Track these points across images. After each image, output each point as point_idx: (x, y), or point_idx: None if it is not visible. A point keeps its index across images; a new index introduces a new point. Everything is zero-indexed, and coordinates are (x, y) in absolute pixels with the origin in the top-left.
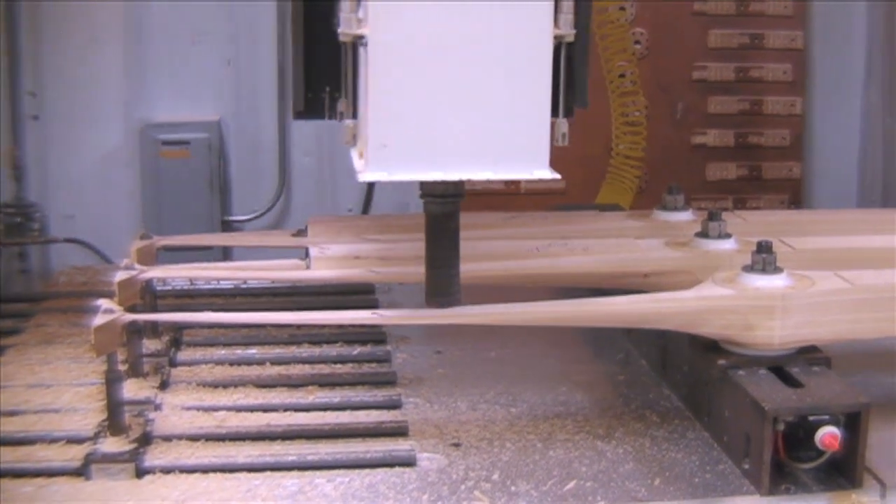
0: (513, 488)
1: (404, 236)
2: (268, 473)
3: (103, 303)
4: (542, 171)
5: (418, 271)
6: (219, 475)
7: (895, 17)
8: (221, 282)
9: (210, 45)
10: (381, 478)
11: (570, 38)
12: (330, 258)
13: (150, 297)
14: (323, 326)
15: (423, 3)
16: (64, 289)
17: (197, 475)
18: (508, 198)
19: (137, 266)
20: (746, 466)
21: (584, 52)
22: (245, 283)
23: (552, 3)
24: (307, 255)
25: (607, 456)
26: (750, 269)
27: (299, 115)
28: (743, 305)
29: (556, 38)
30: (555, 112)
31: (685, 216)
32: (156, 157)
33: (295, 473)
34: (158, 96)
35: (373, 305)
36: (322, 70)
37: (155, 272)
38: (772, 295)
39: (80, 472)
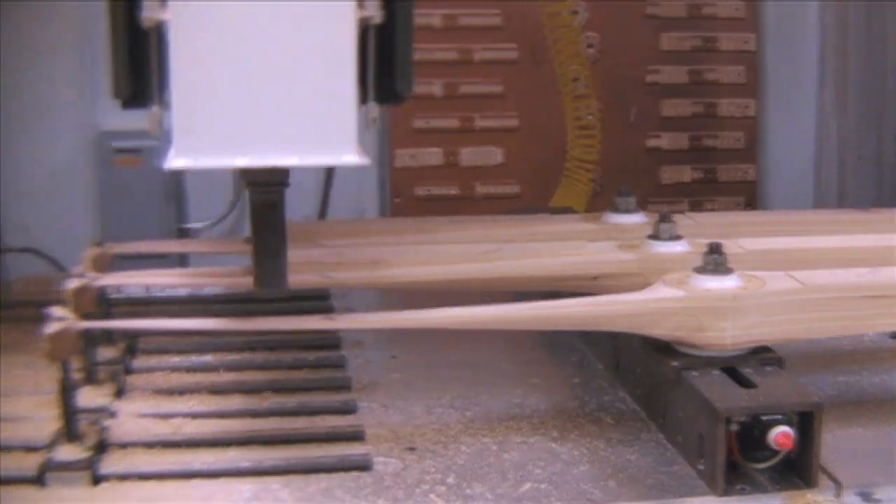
0: (468, 491)
1: (359, 241)
2: (224, 479)
3: (55, 310)
4: (350, 157)
5: (373, 276)
6: (175, 482)
7: (847, 18)
8: (177, 289)
9: None
10: (336, 482)
11: (378, 20)
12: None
13: (104, 304)
14: (278, 332)
15: None
16: (19, 297)
17: (153, 482)
18: (463, 202)
19: (91, 273)
20: (701, 467)
21: (406, 35)
22: (200, 289)
23: None
24: None
25: (562, 458)
26: (701, 270)
27: (126, 103)
28: (694, 307)
29: (362, 19)
30: (365, 97)
31: (637, 219)
32: (110, 165)
33: (251, 479)
34: (112, 104)
35: (328, 310)
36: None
37: (108, 279)
38: (723, 296)
39: (36, 480)
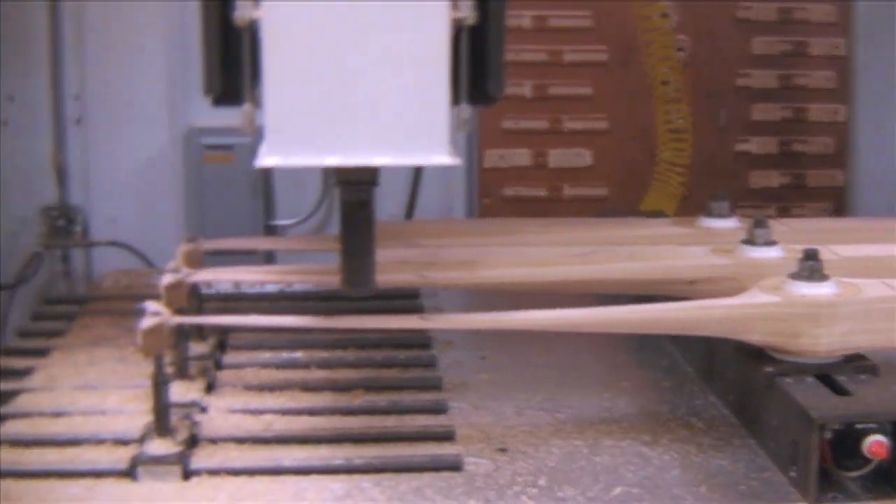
0: (560, 494)
1: (449, 241)
2: (315, 476)
3: (150, 305)
4: (441, 157)
5: (468, 276)
6: (266, 478)
7: None
8: (266, 285)
9: None
10: (427, 481)
11: (472, 21)
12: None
13: (195, 300)
14: (368, 331)
15: None
16: (108, 291)
17: (244, 478)
18: (551, 204)
19: (184, 269)
20: (793, 474)
21: (498, 36)
22: (290, 286)
23: None
24: None
25: (653, 462)
26: (796, 276)
27: (218, 100)
28: (789, 313)
29: (455, 21)
30: (457, 98)
31: (730, 223)
32: (199, 161)
33: (342, 477)
34: (202, 100)
35: (418, 310)
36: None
37: (202, 275)
38: (818, 303)
39: (128, 473)
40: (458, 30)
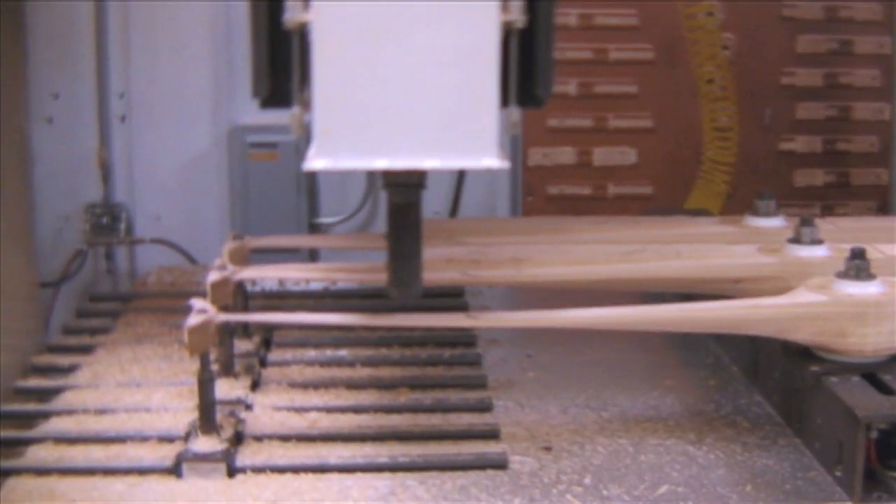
0: (605, 492)
1: (495, 239)
2: (360, 474)
3: (196, 302)
4: (490, 160)
5: (515, 274)
6: (311, 475)
7: None
8: (310, 283)
9: None
10: (472, 480)
11: (521, 24)
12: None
13: (241, 297)
14: (413, 329)
15: None
16: (153, 289)
17: (289, 475)
18: (595, 202)
19: (230, 266)
20: (839, 474)
21: (547, 39)
22: (335, 284)
23: None
24: None
25: (698, 461)
26: (843, 275)
27: (265, 103)
28: (836, 312)
29: (505, 23)
30: (505, 100)
31: (776, 222)
32: (244, 159)
33: (387, 475)
34: (246, 98)
35: (463, 308)
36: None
37: (248, 273)
38: (865, 302)
39: (173, 470)
40: (507, 32)
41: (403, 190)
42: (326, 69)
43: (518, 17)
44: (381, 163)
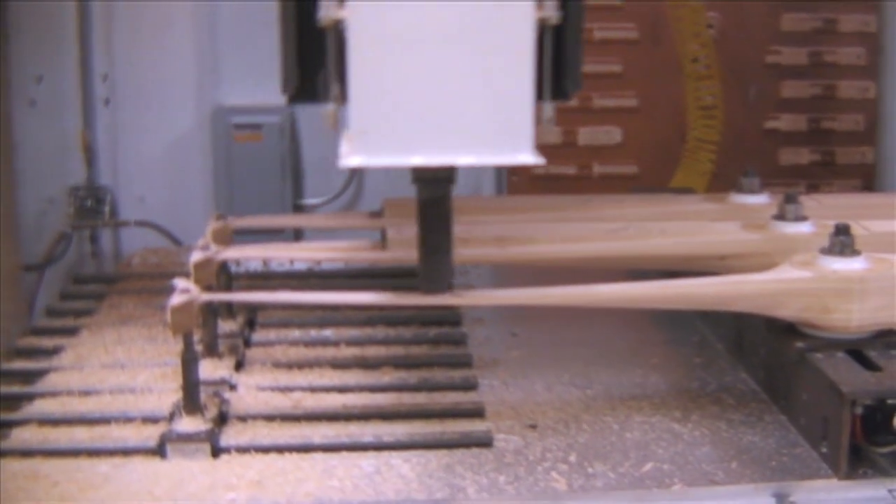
0: (590, 470)
1: (480, 218)
2: (344, 454)
3: (180, 282)
4: (525, 156)
5: (500, 252)
6: (295, 455)
7: None
8: (295, 264)
9: None
10: (458, 458)
11: (555, 20)
12: (407, 239)
13: (224, 277)
14: (398, 308)
15: None
16: (137, 270)
17: (273, 455)
18: (580, 182)
19: (213, 246)
20: (824, 450)
21: (577, 35)
22: (319, 264)
23: None
24: (383, 236)
25: (684, 438)
26: (827, 251)
27: (293, 99)
28: (821, 288)
29: (539, 20)
30: (540, 95)
31: (761, 199)
32: (228, 140)
33: (371, 454)
34: (230, 80)
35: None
36: (318, 52)
37: (231, 253)
38: (850, 278)
39: (157, 451)
40: (541, 29)
41: (433, 185)
42: (362, 66)
43: (552, 14)
44: (417, 159)
